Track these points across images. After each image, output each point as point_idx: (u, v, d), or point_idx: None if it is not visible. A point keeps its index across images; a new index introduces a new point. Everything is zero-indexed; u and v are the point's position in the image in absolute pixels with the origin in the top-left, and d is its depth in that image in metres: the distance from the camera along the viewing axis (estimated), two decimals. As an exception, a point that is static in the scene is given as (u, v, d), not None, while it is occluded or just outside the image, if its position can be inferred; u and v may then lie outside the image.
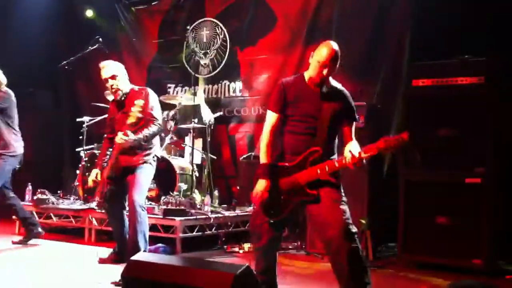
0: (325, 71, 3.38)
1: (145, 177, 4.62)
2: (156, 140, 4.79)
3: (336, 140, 3.55)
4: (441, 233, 4.93)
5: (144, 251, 4.41)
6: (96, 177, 4.64)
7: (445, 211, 4.94)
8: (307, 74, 3.50)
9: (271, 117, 3.57)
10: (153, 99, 4.68)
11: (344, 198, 3.41)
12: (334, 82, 3.55)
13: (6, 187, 5.58)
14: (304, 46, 6.95)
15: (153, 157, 4.71)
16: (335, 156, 3.49)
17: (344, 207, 3.35)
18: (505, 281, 4.60)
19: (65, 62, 6.80)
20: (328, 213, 3.32)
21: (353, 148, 3.33)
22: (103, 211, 5.15)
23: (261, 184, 3.45)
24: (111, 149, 4.67)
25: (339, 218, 3.28)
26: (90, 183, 4.71)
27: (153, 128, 4.54)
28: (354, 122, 3.56)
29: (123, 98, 4.68)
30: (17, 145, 5.54)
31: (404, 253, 5.16)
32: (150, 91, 4.73)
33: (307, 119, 3.46)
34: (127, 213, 4.63)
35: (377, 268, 4.95)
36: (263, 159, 3.53)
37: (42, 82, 8.30)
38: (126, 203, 4.67)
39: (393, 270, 4.98)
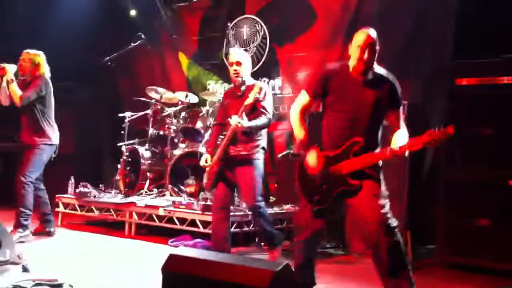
0: (365, 55, 3.30)
1: (256, 177, 4.70)
2: (264, 131, 4.83)
3: (380, 130, 3.44)
4: (482, 236, 4.81)
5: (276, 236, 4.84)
6: (206, 162, 4.75)
7: (487, 213, 4.82)
8: (351, 64, 3.42)
9: (302, 98, 3.55)
10: (269, 93, 4.79)
11: (385, 192, 3.35)
12: (379, 69, 3.45)
13: (37, 178, 5.55)
14: (344, 42, 6.87)
15: (262, 148, 4.79)
16: (378, 146, 3.40)
17: (383, 201, 3.30)
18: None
19: (108, 58, 6.94)
20: (366, 207, 3.29)
21: (399, 138, 3.27)
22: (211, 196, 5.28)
23: (310, 157, 3.41)
24: (221, 136, 4.89)
25: (377, 213, 3.25)
26: (202, 163, 4.80)
27: (263, 120, 4.62)
28: (401, 108, 3.43)
29: (242, 88, 4.75)
30: (53, 135, 5.54)
31: (443, 254, 5.06)
32: (266, 88, 4.79)
33: (348, 109, 3.38)
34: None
35: (414, 269, 4.86)
36: (299, 135, 3.50)
37: (82, 77, 8.38)
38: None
39: (431, 271, 4.90)
